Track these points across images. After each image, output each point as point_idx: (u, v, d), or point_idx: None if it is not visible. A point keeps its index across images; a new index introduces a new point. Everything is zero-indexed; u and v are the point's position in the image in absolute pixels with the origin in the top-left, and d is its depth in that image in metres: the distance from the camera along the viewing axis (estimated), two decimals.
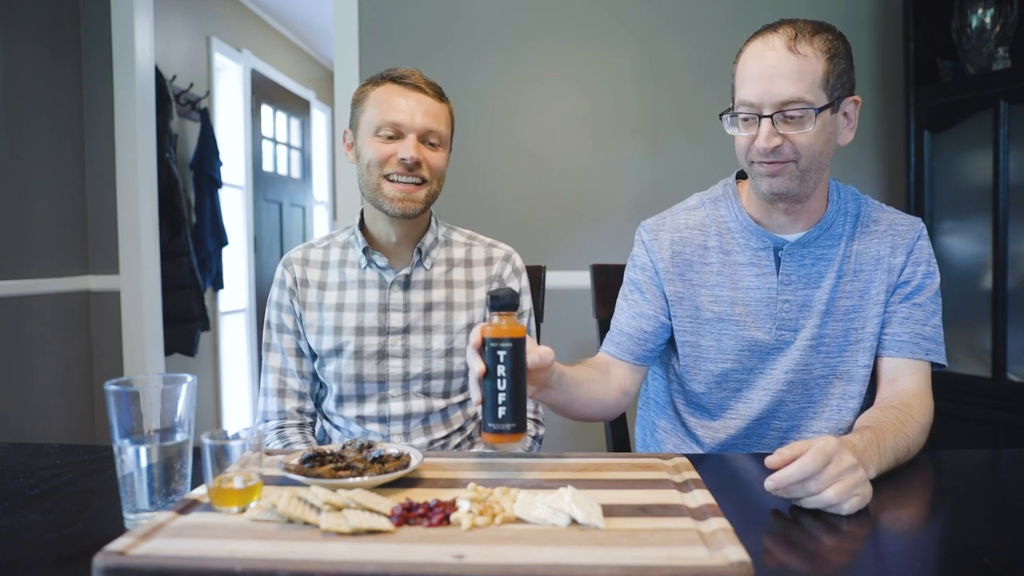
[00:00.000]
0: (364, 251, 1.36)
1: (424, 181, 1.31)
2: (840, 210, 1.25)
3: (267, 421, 1.38)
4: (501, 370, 0.89)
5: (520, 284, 1.44)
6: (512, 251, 1.47)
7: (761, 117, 1.12)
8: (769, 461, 0.87)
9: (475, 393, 0.94)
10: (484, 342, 0.91)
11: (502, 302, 0.90)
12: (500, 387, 0.90)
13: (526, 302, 1.45)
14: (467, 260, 1.42)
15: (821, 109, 1.11)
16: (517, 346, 0.90)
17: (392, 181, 1.30)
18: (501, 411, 0.90)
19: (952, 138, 2.27)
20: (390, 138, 1.30)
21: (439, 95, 1.35)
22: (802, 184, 1.15)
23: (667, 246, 1.30)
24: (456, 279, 1.40)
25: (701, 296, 1.27)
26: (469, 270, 1.42)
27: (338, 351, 1.34)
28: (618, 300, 1.38)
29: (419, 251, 1.37)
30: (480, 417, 0.93)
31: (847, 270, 1.23)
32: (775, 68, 1.11)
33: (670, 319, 1.31)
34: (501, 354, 0.90)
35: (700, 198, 1.35)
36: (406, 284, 1.36)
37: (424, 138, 1.31)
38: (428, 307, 1.36)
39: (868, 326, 1.22)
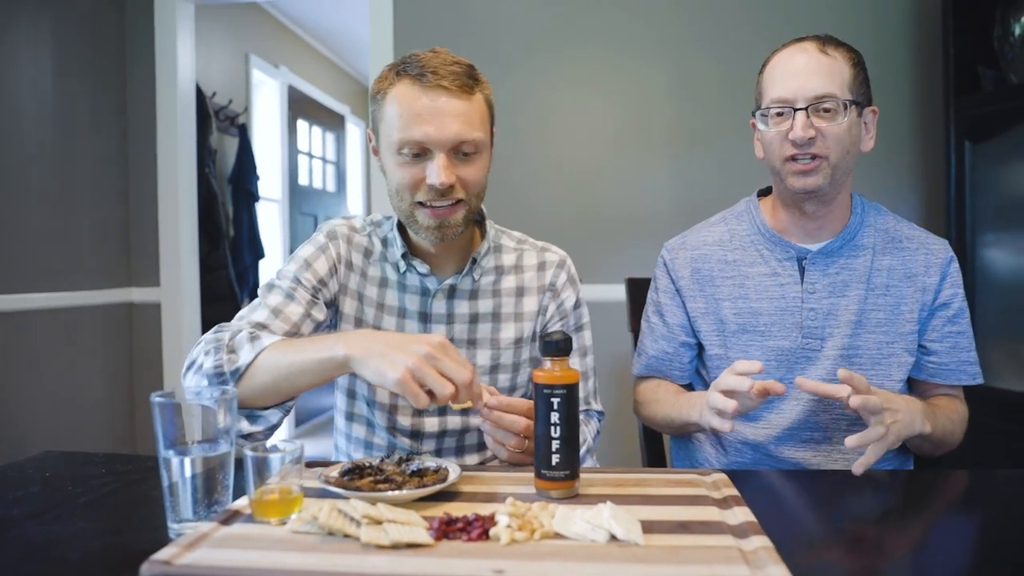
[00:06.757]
0: (404, 256, 1.22)
1: (461, 200, 1.14)
2: (864, 222, 1.28)
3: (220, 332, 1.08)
4: (555, 417, 0.87)
5: (576, 294, 1.31)
6: (566, 257, 1.33)
7: (796, 110, 1.17)
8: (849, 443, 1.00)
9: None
10: (536, 388, 0.89)
11: (556, 347, 0.88)
12: (553, 434, 0.87)
13: (584, 314, 1.33)
14: (517, 266, 1.28)
15: (851, 103, 1.17)
16: (571, 392, 0.88)
17: (425, 206, 1.13)
18: (555, 458, 0.87)
19: (994, 148, 2.22)
20: (416, 156, 1.11)
21: (468, 87, 1.12)
22: (831, 183, 1.20)
23: (687, 264, 1.35)
24: (505, 287, 1.26)
25: (724, 309, 1.30)
26: (519, 276, 1.28)
27: None
28: (642, 320, 1.43)
29: (473, 260, 1.23)
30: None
31: (876, 283, 1.24)
32: (808, 67, 1.18)
33: (694, 337, 1.35)
34: (555, 401, 0.87)
35: (722, 215, 1.40)
36: (451, 293, 1.24)
37: (457, 149, 1.11)
38: (474, 319, 1.24)
39: (900, 341, 1.24)
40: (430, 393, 0.89)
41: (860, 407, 0.99)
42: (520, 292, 1.27)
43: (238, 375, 1.00)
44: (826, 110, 1.17)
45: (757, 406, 1.10)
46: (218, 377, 1.00)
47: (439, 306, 1.24)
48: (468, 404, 0.95)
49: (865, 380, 1.01)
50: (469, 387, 0.91)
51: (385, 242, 1.27)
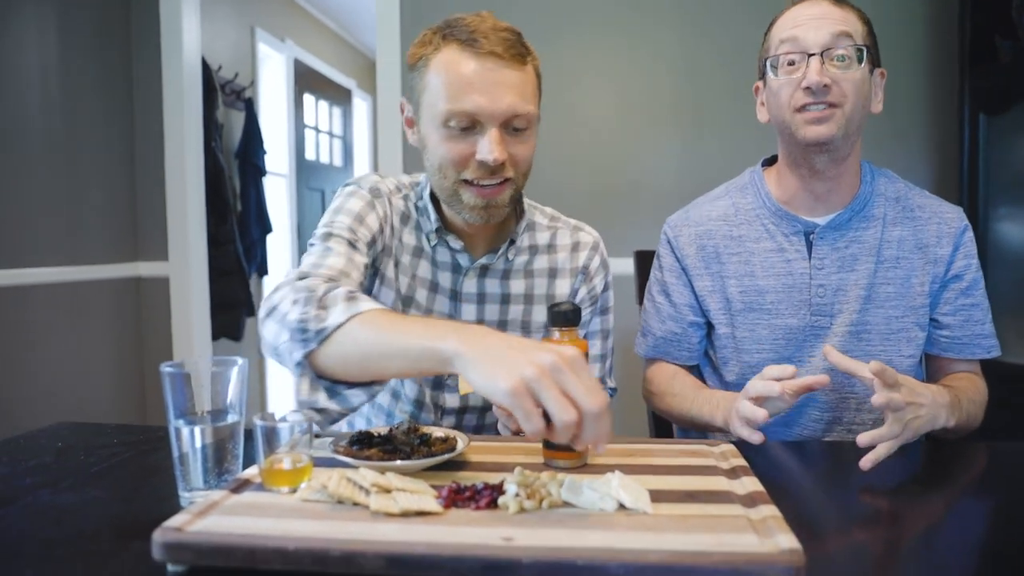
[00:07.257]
0: (437, 231, 1.15)
1: (509, 179, 1.06)
2: (875, 191, 1.23)
3: (305, 279, 0.97)
4: None
5: (606, 278, 1.26)
6: (599, 238, 1.28)
7: (810, 56, 1.13)
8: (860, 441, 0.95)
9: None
10: None
11: (564, 318, 0.87)
12: None
13: (611, 297, 1.28)
14: (551, 245, 1.23)
15: (866, 51, 1.14)
16: None
17: (472, 185, 1.05)
18: None
19: (1009, 121, 2.19)
20: (464, 130, 1.02)
21: (520, 56, 1.03)
22: (844, 137, 1.14)
23: (692, 241, 1.30)
24: (538, 268, 1.21)
25: (730, 287, 1.26)
26: (552, 256, 1.23)
27: None
28: (645, 300, 1.38)
29: (511, 241, 1.17)
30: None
31: (887, 256, 1.20)
32: (822, 13, 1.14)
33: (703, 316, 1.31)
34: None
35: (726, 187, 1.35)
36: (482, 272, 1.18)
37: (508, 124, 1.03)
38: (505, 299, 1.19)
39: (911, 316, 1.21)
40: (546, 416, 0.72)
41: (883, 406, 0.94)
42: (553, 274, 1.22)
43: (323, 336, 0.88)
44: (840, 58, 1.12)
45: (790, 407, 1.05)
46: (301, 333, 0.89)
47: (470, 285, 1.18)
48: (471, 390, 0.79)
49: (895, 373, 0.95)
50: (597, 419, 0.72)
51: (418, 210, 1.19)
